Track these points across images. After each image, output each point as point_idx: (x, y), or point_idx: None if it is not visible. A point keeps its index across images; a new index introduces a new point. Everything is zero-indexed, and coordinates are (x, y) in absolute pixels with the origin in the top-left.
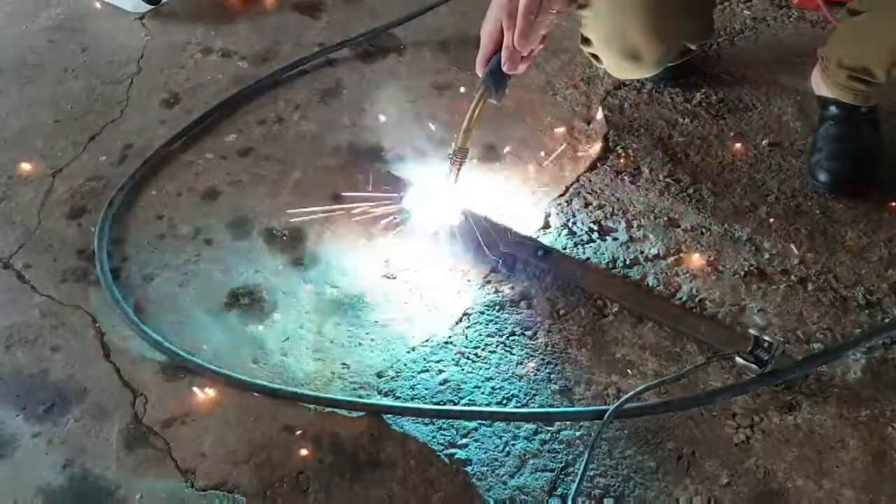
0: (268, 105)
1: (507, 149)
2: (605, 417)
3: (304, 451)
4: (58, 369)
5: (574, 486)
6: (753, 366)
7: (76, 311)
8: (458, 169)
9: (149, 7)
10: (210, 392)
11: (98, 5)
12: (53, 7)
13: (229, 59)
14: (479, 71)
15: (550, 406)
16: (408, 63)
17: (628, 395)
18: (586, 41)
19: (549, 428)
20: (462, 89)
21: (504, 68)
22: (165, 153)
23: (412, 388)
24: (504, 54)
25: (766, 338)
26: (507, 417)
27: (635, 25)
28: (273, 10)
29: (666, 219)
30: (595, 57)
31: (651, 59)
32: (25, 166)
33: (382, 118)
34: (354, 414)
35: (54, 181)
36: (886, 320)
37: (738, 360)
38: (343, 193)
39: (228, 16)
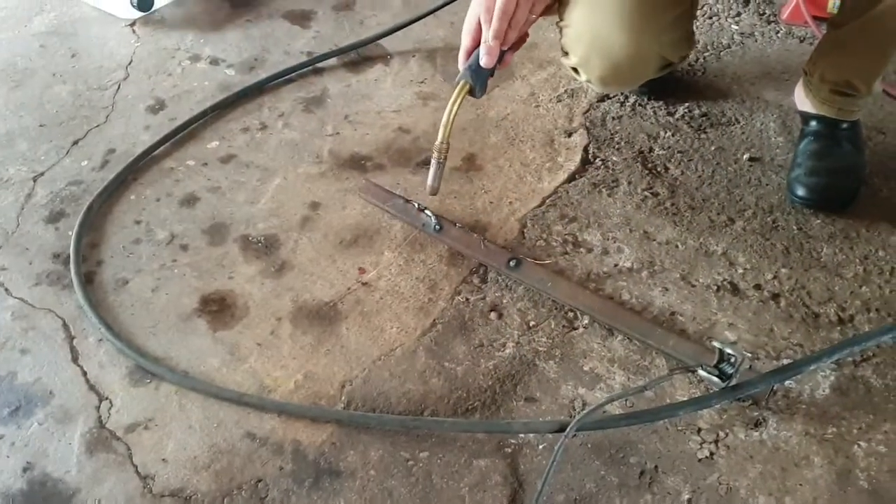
0: (253, 112)
1: (486, 158)
2: (567, 430)
3: (264, 459)
4: (25, 372)
5: (534, 500)
6: (717, 379)
7: (48, 314)
8: (442, 163)
9: (140, 14)
10: (175, 397)
11: (91, 11)
12: (47, 12)
13: (217, 67)
14: (461, 66)
15: (515, 418)
16: (394, 73)
17: (591, 407)
18: (566, 54)
19: (513, 441)
20: (446, 99)
21: (482, 62)
22: (147, 159)
23: (376, 397)
24: (482, 48)
25: (731, 351)
26: (470, 429)
27: (614, 39)
28: (263, 19)
29: (642, 232)
30: (575, 70)
31: (630, 73)
32: (7, 170)
33: (365, 127)
34: (317, 422)
35: (35, 185)
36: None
37: (702, 372)
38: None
39: (218, 24)
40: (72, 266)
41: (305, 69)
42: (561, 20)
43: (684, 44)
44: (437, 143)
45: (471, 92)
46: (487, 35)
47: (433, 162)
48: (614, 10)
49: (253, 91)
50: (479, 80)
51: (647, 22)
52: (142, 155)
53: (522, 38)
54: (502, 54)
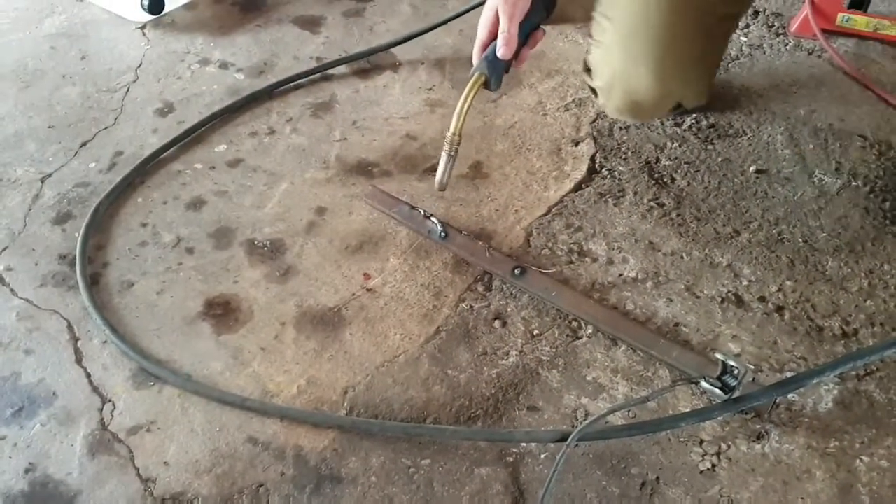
0: (261, 117)
1: (492, 166)
2: (569, 440)
3: (266, 464)
4: (29, 373)
5: None
6: (719, 391)
7: (53, 315)
8: (453, 156)
9: (150, 17)
10: (178, 401)
11: (102, 14)
12: (58, 14)
13: (226, 71)
14: (475, 59)
15: (517, 427)
16: (403, 79)
17: (593, 417)
18: (589, 70)
19: (515, 449)
20: (454, 106)
21: (499, 53)
22: (154, 162)
23: (379, 404)
24: (500, 39)
25: (734, 363)
26: (472, 437)
27: (642, 79)
28: (273, 24)
29: (647, 242)
30: (593, 90)
31: (648, 112)
32: (16, 170)
33: (373, 133)
34: (319, 428)
35: (43, 186)
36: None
37: (704, 384)
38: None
39: (228, 28)
40: (77, 267)
41: (315, 75)
42: (593, 36)
43: (704, 94)
44: (449, 134)
45: (486, 84)
46: (506, 25)
47: (443, 155)
48: (649, 51)
49: (262, 95)
50: (495, 73)
51: (679, 71)
52: (150, 157)
53: (539, 36)
54: (518, 50)
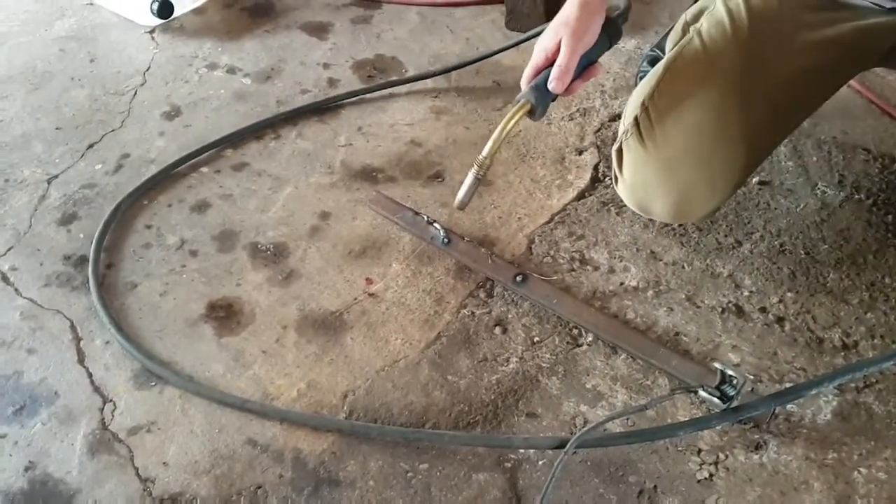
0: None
1: (496, 174)
2: (567, 447)
3: (265, 466)
4: (31, 372)
5: None
6: (718, 401)
7: (56, 315)
8: (480, 179)
9: (160, 21)
10: (179, 402)
11: (111, 18)
12: (68, 17)
13: (233, 76)
14: (524, 84)
15: (516, 433)
16: (408, 86)
17: (591, 425)
18: (620, 153)
19: (513, 455)
20: (459, 114)
21: (550, 86)
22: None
23: (378, 408)
24: (555, 71)
25: (733, 373)
26: (470, 442)
27: (660, 207)
28: (281, 30)
29: (648, 252)
30: (616, 176)
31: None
32: (23, 171)
33: (378, 139)
34: (319, 431)
35: (49, 187)
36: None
37: (703, 393)
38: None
39: (236, 33)
40: (90, 265)
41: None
42: (640, 126)
43: (715, 213)
44: (481, 157)
45: (530, 112)
46: (565, 58)
47: (471, 176)
48: (681, 188)
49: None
50: (542, 103)
51: (703, 209)
52: (177, 162)
53: (595, 71)
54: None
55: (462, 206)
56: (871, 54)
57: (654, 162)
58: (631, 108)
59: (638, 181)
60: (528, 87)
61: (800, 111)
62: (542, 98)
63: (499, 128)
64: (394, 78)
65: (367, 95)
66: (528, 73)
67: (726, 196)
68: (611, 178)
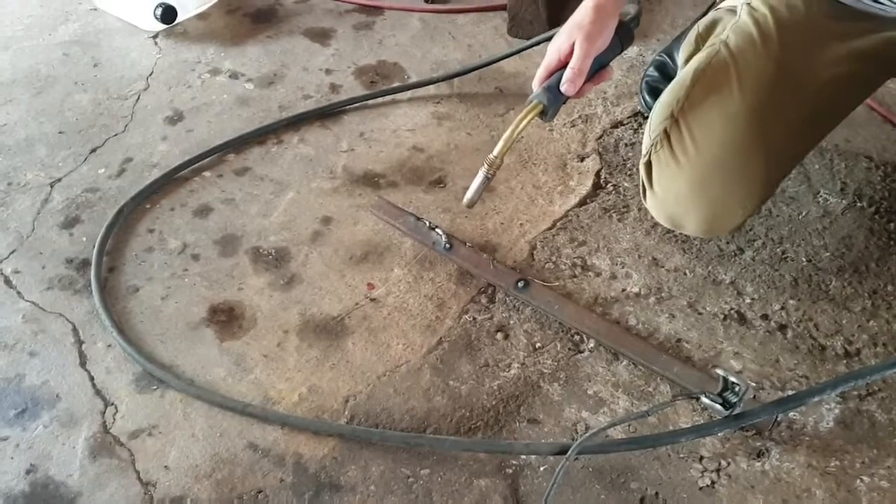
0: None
1: (498, 180)
2: (569, 453)
3: (266, 470)
4: (33, 375)
5: None
6: (720, 407)
7: (58, 318)
8: (489, 178)
9: (163, 26)
10: (180, 405)
11: (115, 23)
12: (72, 22)
13: (236, 81)
14: (536, 85)
15: (518, 439)
16: (410, 92)
17: (593, 431)
18: (649, 165)
19: (514, 461)
20: (462, 120)
21: (562, 88)
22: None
23: (380, 413)
24: (567, 74)
25: (735, 380)
26: (471, 448)
27: (691, 221)
28: (283, 35)
29: (650, 258)
30: (644, 188)
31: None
32: (26, 174)
33: (380, 145)
34: (320, 436)
35: (52, 190)
36: None
37: (705, 400)
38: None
39: (239, 38)
40: (92, 268)
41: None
42: (670, 138)
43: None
44: (492, 156)
45: (542, 114)
46: (578, 61)
47: (480, 174)
48: (710, 202)
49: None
50: (554, 104)
51: (729, 223)
52: (182, 165)
53: (607, 74)
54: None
55: (471, 205)
56: (894, 65)
57: (686, 176)
58: (658, 119)
59: (670, 196)
60: (541, 89)
61: (828, 122)
62: (554, 99)
63: (510, 127)
64: (396, 84)
65: (370, 101)
66: (540, 73)
67: (757, 208)
68: (639, 192)
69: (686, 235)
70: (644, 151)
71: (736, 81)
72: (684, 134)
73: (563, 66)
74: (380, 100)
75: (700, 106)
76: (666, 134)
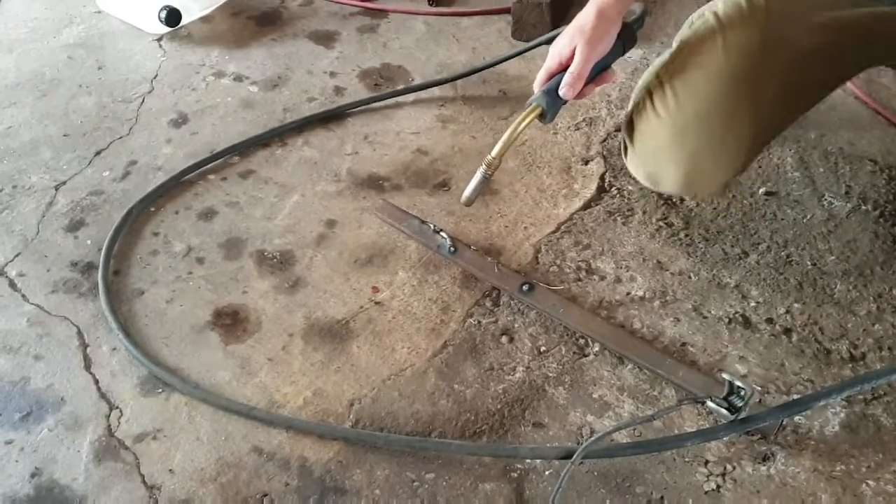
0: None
1: (503, 183)
2: (574, 457)
3: (271, 474)
4: (38, 378)
5: None
6: (725, 411)
7: (63, 321)
8: (488, 178)
9: (167, 29)
10: (185, 409)
11: (119, 25)
12: (76, 25)
13: (240, 84)
14: (537, 87)
15: (523, 443)
16: (414, 95)
17: (598, 435)
18: (631, 125)
19: (519, 465)
20: (466, 122)
21: (561, 92)
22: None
23: (384, 417)
24: (567, 78)
25: (741, 384)
26: (476, 452)
27: (670, 175)
28: (288, 38)
29: (655, 262)
30: (625, 146)
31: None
32: (30, 177)
33: (384, 148)
34: (325, 439)
35: (57, 193)
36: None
37: (711, 404)
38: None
39: (243, 41)
40: (100, 271)
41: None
42: (652, 95)
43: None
44: (490, 157)
45: (541, 116)
46: (578, 65)
47: (479, 174)
48: (690, 154)
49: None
50: (553, 107)
51: (711, 178)
52: (188, 169)
53: (608, 76)
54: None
55: (468, 203)
56: (881, 43)
57: (666, 129)
58: (644, 81)
59: (649, 149)
60: (540, 92)
61: (811, 93)
62: (553, 103)
63: (509, 129)
64: (400, 87)
65: (374, 104)
66: (541, 76)
67: (734, 171)
68: (619, 149)
69: (690, 238)
70: (627, 110)
71: (722, 46)
72: (667, 92)
73: (563, 69)
74: (383, 102)
75: (685, 67)
76: (649, 92)
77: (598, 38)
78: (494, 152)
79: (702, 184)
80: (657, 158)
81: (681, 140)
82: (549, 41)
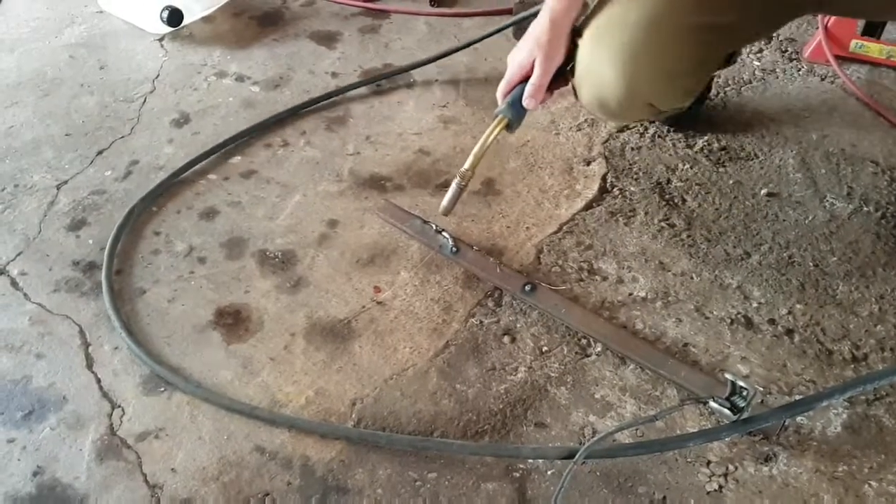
0: (276, 130)
1: (505, 183)
2: (576, 457)
3: (273, 473)
4: (40, 377)
5: None
6: (728, 412)
7: (65, 320)
8: (463, 188)
9: (169, 29)
10: (187, 408)
11: (121, 25)
12: (78, 25)
13: (242, 84)
14: (500, 98)
15: (525, 443)
16: (417, 95)
17: (600, 435)
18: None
19: (521, 465)
20: (467, 123)
21: (524, 103)
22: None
23: (387, 416)
24: (529, 89)
25: (743, 384)
26: (479, 452)
27: (607, 74)
28: (289, 39)
29: (657, 262)
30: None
31: (616, 110)
32: (32, 176)
33: (386, 148)
34: (327, 439)
35: (58, 192)
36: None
37: (713, 404)
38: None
39: (245, 41)
40: (103, 270)
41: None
42: (578, 35)
43: (681, 98)
44: (463, 169)
45: (507, 126)
46: (538, 77)
47: (454, 185)
48: (618, 49)
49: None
50: (518, 117)
51: (648, 73)
52: (186, 166)
53: (564, 80)
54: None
55: (446, 212)
56: None
57: (615, 34)
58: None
59: (595, 61)
60: (505, 104)
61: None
62: (518, 114)
63: (479, 142)
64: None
65: (377, 104)
66: (502, 87)
67: (685, 84)
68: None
69: (693, 239)
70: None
71: None
72: (615, 3)
73: (524, 79)
74: (385, 102)
75: None
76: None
77: (554, 50)
78: (467, 165)
79: (646, 89)
80: (602, 65)
81: (629, 47)
82: (521, 21)
